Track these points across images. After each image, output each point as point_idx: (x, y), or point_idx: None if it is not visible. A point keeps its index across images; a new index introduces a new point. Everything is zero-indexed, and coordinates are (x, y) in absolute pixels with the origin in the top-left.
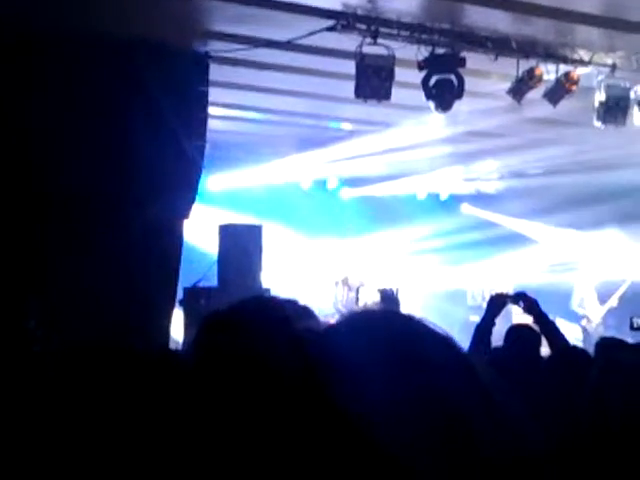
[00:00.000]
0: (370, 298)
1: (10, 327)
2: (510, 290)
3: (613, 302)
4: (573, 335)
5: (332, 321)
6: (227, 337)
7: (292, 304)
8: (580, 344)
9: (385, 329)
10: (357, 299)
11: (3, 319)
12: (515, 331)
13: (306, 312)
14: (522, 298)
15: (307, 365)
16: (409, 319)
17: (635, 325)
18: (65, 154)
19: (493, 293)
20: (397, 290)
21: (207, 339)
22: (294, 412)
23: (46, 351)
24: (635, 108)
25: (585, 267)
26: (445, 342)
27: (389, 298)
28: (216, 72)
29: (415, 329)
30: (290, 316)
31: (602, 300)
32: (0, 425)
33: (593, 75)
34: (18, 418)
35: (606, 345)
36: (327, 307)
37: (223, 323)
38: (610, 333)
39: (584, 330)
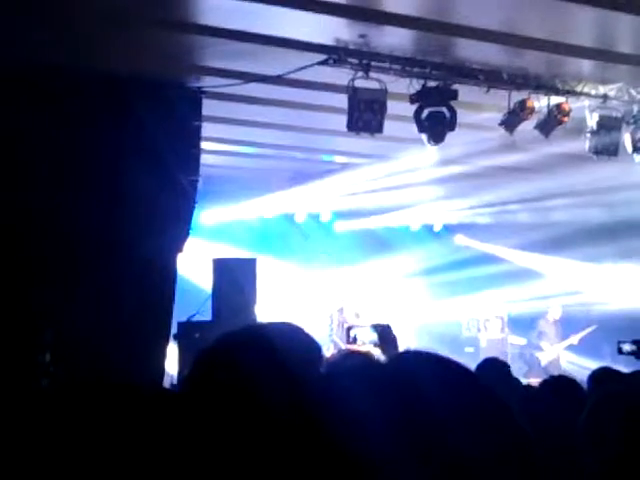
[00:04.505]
0: (364, 333)
1: (24, 359)
2: (505, 318)
3: (573, 341)
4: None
5: (328, 354)
6: (220, 376)
7: (285, 332)
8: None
9: (388, 377)
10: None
11: (19, 351)
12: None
13: (300, 337)
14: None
15: (302, 406)
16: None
17: (623, 350)
18: (59, 188)
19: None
20: (389, 326)
21: (200, 377)
22: (288, 452)
23: (53, 386)
24: (626, 138)
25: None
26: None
27: (386, 336)
28: (209, 107)
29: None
30: (282, 350)
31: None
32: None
33: (584, 106)
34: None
35: (599, 377)
36: (322, 338)
37: (216, 360)
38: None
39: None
